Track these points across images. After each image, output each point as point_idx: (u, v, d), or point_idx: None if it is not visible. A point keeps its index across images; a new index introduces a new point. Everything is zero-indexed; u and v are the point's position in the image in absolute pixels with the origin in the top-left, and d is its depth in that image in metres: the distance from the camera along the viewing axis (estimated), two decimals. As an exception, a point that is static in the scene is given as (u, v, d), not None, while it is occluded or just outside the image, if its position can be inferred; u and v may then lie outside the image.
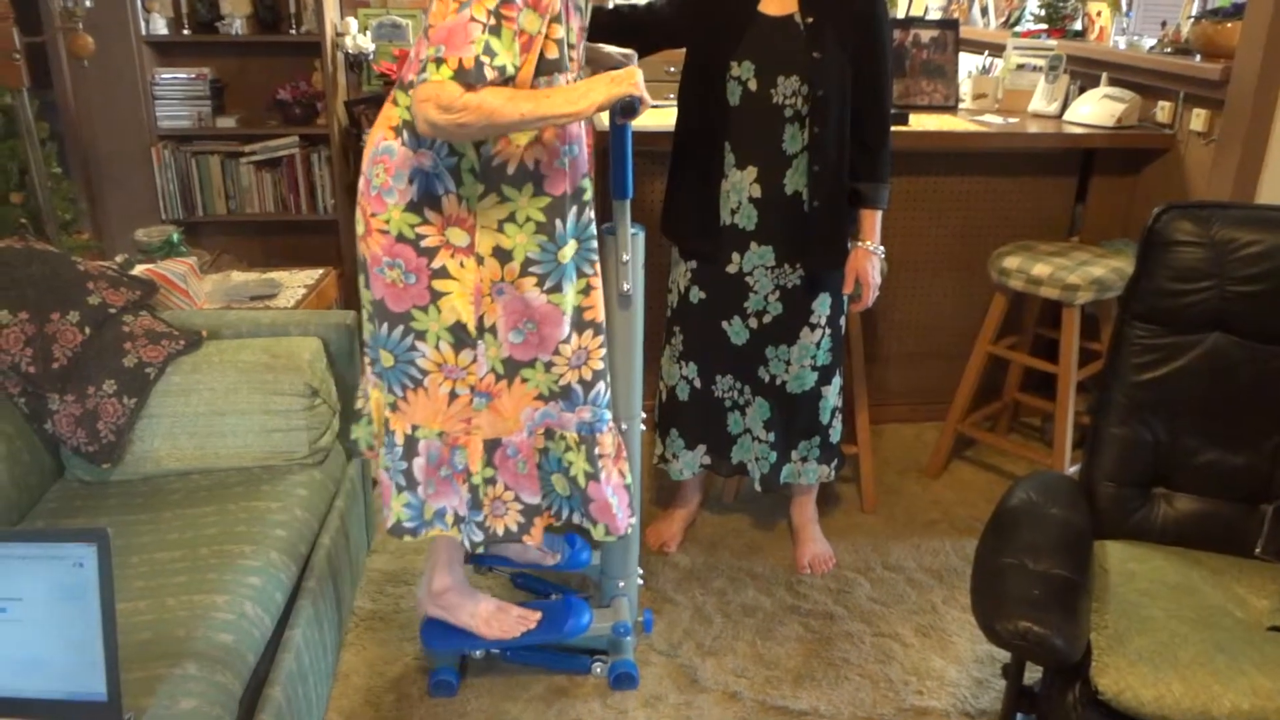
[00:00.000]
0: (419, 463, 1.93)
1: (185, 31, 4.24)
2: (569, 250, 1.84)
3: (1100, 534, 1.95)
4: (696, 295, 2.46)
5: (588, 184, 1.87)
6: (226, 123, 4.29)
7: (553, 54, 1.70)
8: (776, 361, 2.47)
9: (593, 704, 2.17)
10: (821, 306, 2.44)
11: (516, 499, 1.99)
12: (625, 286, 1.98)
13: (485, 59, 1.56)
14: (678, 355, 2.55)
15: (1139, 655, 1.60)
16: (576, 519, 2.03)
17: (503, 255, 1.80)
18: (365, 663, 2.27)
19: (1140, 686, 1.55)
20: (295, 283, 3.20)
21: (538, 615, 2.18)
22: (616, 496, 2.01)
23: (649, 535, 2.73)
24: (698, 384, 2.53)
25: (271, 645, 1.83)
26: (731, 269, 2.40)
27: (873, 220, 2.35)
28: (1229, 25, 2.84)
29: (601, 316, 1.94)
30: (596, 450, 1.96)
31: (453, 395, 1.89)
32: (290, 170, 4.33)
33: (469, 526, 1.98)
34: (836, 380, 2.55)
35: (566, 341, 1.88)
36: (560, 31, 1.70)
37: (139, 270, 2.63)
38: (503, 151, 1.75)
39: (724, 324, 2.46)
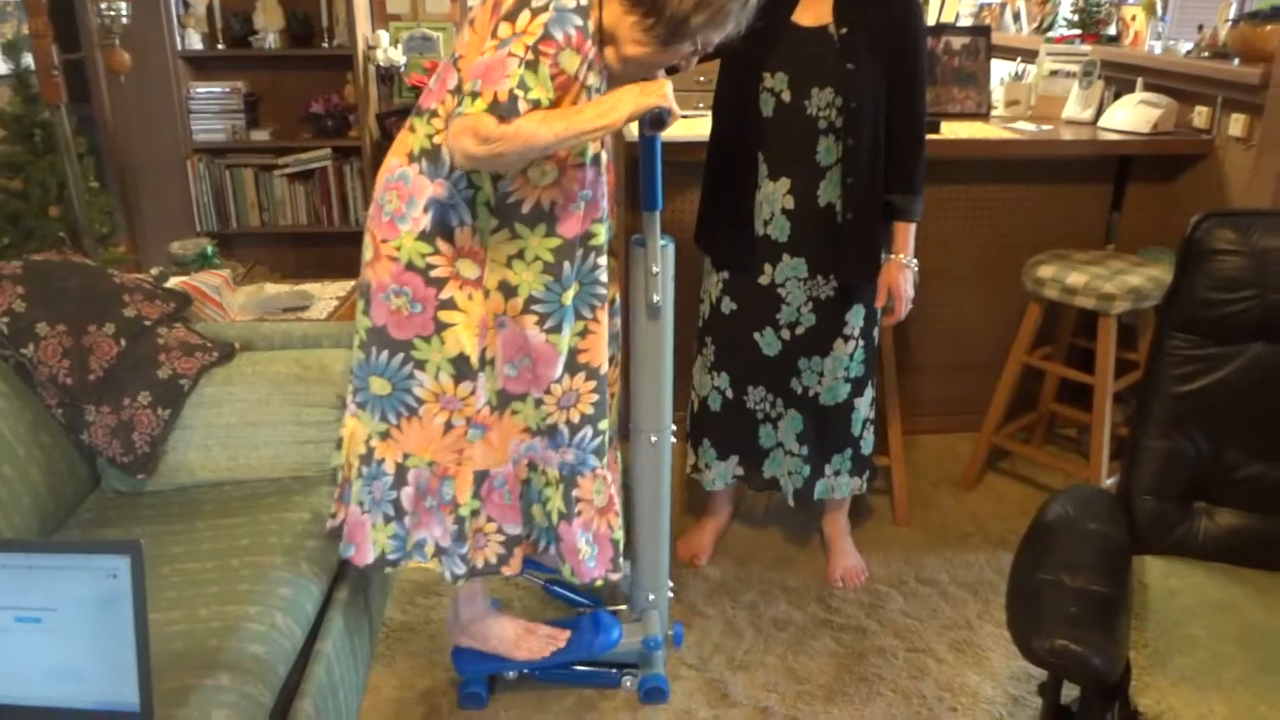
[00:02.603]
0: (407, 492, 1.91)
1: (220, 46, 4.30)
2: (572, 293, 1.83)
3: (1139, 549, 1.91)
4: (728, 306, 2.45)
5: (598, 229, 1.84)
6: (260, 136, 4.35)
7: (583, 99, 1.69)
8: (809, 373, 2.45)
9: (622, 717, 2.16)
10: (855, 318, 2.42)
11: (499, 530, 1.96)
12: (655, 298, 1.97)
13: (519, 92, 1.57)
14: (709, 366, 2.53)
15: (1180, 675, 1.56)
16: (552, 551, 2.01)
17: (508, 290, 1.80)
18: (395, 675, 2.27)
19: (1182, 707, 1.51)
20: (327, 294, 3.22)
21: (566, 634, 2.17)
22: (596, 546, 1.97)
23: (679, 548, 2.72)
24: (730, 395, 2.52)
25: (302, 657, 1.83)
26: (764, 280, 2.38)
27: (906, 233, 2.33)
28: (1268, 28, 2.79)
29: (598, 361, 1.90)
30: (575, 493, 1.94)
31: (448, 426, 1.87)
32: (323, 182, 4.38)
33: (451, 559, 1.95)
34: (869, 392, 2.52)
35: (558, 381, 1.86)
36: (593, 79, 1.69)
37: (174, 283, 2.66)
38: (520, 190, 1.74)
39: (756, 335, 2.44)
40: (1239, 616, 1.71)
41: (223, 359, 2.26)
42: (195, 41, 4.22)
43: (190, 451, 2.18)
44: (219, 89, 4.28)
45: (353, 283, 3.36)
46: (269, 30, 4.25)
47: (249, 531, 2.00)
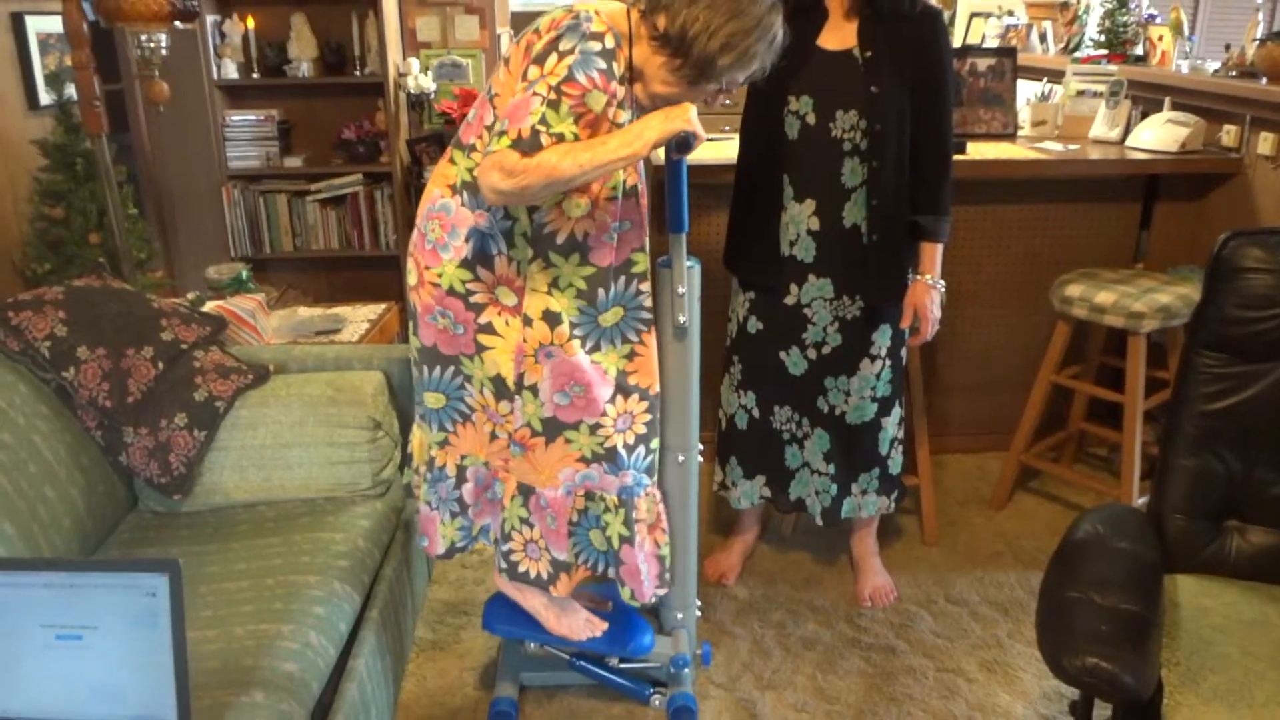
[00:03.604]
0: (468, 487, 2.04)
1: (254, 75, 4.38)
2: (610, 316, 1.91)
3: (1171, 568, 1.90)
4: (754, 325, 2.46)
5: (639, 257, 1.91)
6: (293, 162, 4.42)
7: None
8: (836, 392, 2.46)
9: (651, 737, 2.16)
10: (882, 338, 2.42)
11: (547, 549, 2.03)
12: (681, 319, 1.99)
13: (541, 128, 1.63)
14: (736, 384, 2.55)
15: (1213, 693, 1.55)
16: (611, 573, 2.07)
17: (552, 318, 1.86)
18: (426, 693, 2.29)
19: (1215, 726, 1.50)
20: (359, 317, 3.26)
21: (605, 625, 2.19)
22: (647, 565, 2.03)
23: (707, 567, 2.72)
24: (756, 414, 2.53)
25: (335, 675, 1.86)
26: (790, 300, 2.40)
27: (933, 253, 2.34)
28: (1296, 47, 2.79)
29: (647, 382, 1.97)
30: (634, 515, 1.99)
31: (493, 435, 1.98)
32: (354, 207, 4.44)
33: (499, 553, 2.07)
34: (896, 411, 2.53)
35: (611, 403, 1.92)
36: (624, 118, 1.75)
37: (209, 307, 2.71)
38: (554, 221, 1.82)
39: (782, 354, 2.45)
40: (1272, 634, 1.69)
41: (257, 381, 2.30)
42: (231, 71, 4.31)
43: (225, 472, 2.22)
44: (254, 117, 4.36)
45: (384, 306, 3.40)
46: (302, 59, 4.33)
47: (283, 551, 2.03)
